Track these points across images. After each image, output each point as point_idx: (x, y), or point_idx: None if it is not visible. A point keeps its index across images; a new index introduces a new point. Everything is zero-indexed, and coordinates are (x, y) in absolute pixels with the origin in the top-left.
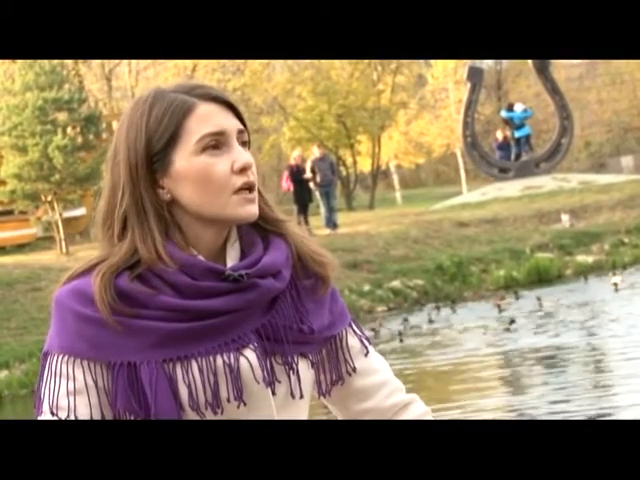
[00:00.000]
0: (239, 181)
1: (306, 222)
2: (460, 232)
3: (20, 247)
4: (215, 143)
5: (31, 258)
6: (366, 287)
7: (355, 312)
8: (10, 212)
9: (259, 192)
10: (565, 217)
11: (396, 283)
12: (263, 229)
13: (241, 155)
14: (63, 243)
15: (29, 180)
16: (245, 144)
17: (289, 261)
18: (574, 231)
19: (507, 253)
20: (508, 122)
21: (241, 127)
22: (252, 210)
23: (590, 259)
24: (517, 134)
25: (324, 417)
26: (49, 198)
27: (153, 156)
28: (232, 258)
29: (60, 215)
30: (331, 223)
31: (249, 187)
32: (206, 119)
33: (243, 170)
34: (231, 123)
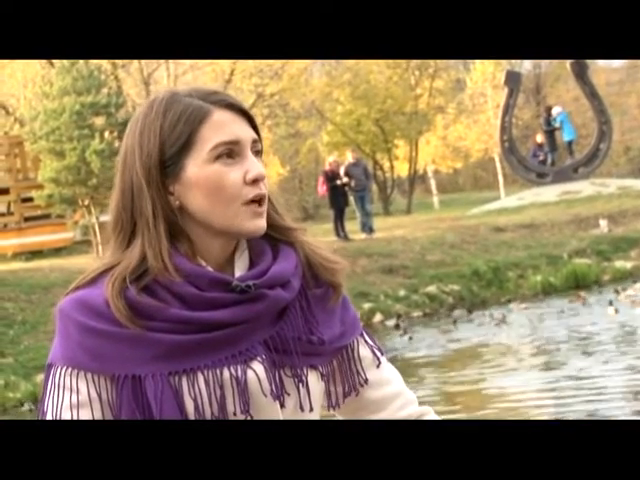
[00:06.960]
0: (251, 193)
1: (342, 227)
2: (497, 237)
3: (57, 251)
4: (229, 152)
5: (68, 261)
6: (402, 292)
7: (390, 317)
8: (47, 216)
9: (269, 200)
10: (603, 222)
11: (432, 288)
12: (272, 238)
13: (254, 166)
14: (100, 247)
15: (66, 184)
16: (258, 153)
17: (298, 270)
18: (612, 237)
19: (544, 259)
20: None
21: (255, 137)
22: (260, 224)
23: (628, 265)
24: (566, 137)
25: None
26: (86, 202)
27: (166, 161)
28: (240, 268)
29: (97, 219)
30: (367, 228)
31: (260, 199)
32: (221, 127)
33: (255, 181)
34: (246, 132)
